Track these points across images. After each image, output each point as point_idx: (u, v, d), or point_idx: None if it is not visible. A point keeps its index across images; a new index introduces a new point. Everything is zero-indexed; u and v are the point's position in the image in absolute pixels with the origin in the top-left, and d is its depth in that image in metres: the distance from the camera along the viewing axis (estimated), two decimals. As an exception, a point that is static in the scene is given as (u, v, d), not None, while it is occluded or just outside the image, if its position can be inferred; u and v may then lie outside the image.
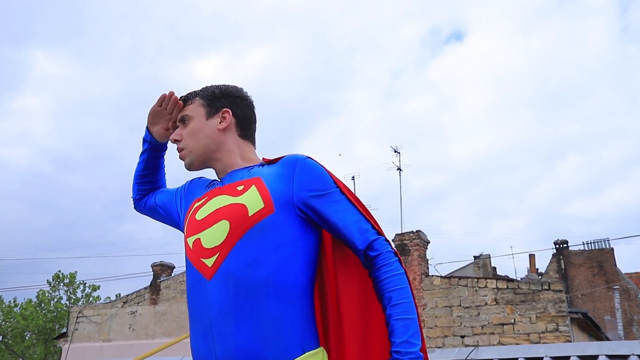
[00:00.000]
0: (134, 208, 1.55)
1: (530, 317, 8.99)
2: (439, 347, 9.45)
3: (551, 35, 47.70)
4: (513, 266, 28.19)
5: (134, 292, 13.69)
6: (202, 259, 1.15)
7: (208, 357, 1.10)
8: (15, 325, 23.31)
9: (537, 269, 22.38)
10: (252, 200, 1.15)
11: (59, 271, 24.80)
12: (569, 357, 3.20)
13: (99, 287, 25.19)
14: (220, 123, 1.28)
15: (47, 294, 24.44)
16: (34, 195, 41.57)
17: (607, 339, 13.06)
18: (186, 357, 4.36)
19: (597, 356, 3.13)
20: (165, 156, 1.52)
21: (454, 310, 9.61)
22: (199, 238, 1.18)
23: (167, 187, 1.53)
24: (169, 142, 1.39)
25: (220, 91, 1.32)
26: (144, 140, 1.46)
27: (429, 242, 10.73)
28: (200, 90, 1.33)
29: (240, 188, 1.20)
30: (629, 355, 3.07)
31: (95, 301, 23.95)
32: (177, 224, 1.42)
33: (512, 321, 9.09)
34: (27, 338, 23.87)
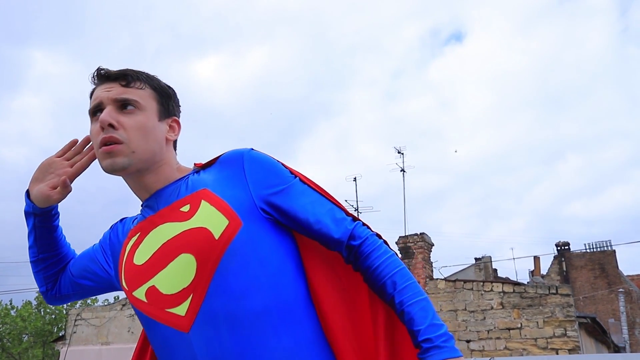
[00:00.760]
0: (49, 303, 1.20)
1: (537, 322, 8.84)
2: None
3: (551, 36, 47.73)
4: (514, 268, 28.10)
5: (133, 295, 13.51)
6: (168, 310, 0.92)
7: None
8: (13, 327, 23.11)
9: (540, 271, 22.25)
10: (211, 218, 0.92)
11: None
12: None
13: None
14: (169, 132, 1.03)
15: (45, 296, 24.24)
16: (32, 195, 41.18)
17: (613, 343, 12.93)
18: None
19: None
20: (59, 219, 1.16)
21: (459, 314, 9.46)
22: (153, 285, 0.94)
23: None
24: (100, 126, 0.97)
25: (171, 91, 1.06)
26: (28, 214, 1.09)
27: (433, 245, 10.59)
28: (146, 76, 1.02)
29: (185, 209, 0.96)
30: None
31: (94, 303, 23.78)
32: (112, 284, 1.12)
33: (519, 326, 8.94)
34: (24, 340, 23.69)
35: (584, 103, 52.53)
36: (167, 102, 1.04)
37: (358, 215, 14.00)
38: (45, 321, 23.37)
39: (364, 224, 0.99)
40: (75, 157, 1.10)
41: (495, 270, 21.47)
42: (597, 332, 10.54)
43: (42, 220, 1.10)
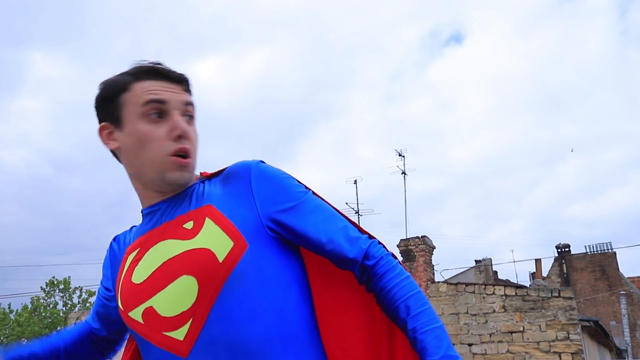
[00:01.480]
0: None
1: (540, 325, 8.78)
2: None
3: (551, 37, 47.84)
4: (514, 270, 28.10)
5: (132, 299, 13.45)
6: (165, 333, 0.87)
7: None
8: (11, 332, 23.00)
9: (541, 274, 22.21)
10: (216, 239, 0.87)
11: (53, 277, 24.52)
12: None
13: (95, 293, 24.85)
14: None
15: (41, 300, 24.15)
16: (33, 198, 41.27)
17: (615, 346, 12.88)
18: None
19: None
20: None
21: (461, 318, 9.40)
22: (151, 307, 0.88)
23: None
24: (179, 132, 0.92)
25: None
26: None
27: (434, 248, 10.54)
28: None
29: (189, 226, 0.90)
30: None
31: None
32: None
33: (522, 329, 8.89)
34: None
35: (584, 104, 52.64)
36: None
37: (359, 218, 13.94)
38: (42, 325, 23.26)
39: (379, 243, 0.93)
40: None
41: (496, 272, 21.43)
42: (600, 335, 10.49)
43: None
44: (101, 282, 1.10)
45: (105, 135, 0.97)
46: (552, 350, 8.57)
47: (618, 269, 20.56)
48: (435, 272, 10.42)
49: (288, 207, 0.91)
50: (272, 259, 0.89)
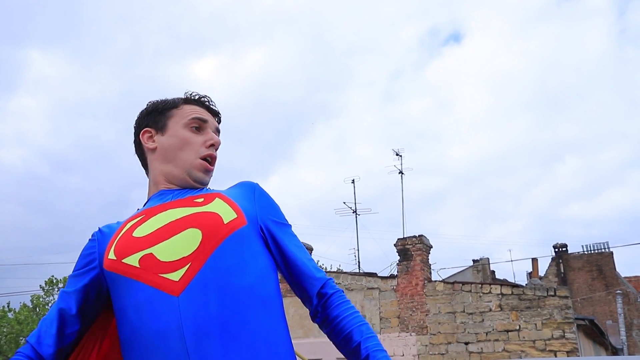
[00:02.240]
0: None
1: (535, 324, 8.85)
2: (443, 354, 9.31)
3: (550, 37, 47.89)
4: (512, 270, 28.15)
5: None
6: (161, 274, 0.97)
7: None
8: (10, 330, 23.02)
9: (538, 273, 22.26)
10: (223, 209, 1.06)
11: (53, 276, 24.56)
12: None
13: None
14: None
15: (41, 299, 24.19)
16: (30, 196, 41.20)
17: (611, 345, 12.95)
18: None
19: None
20: None
21: (458, 317, 9.46)
22: (151, 253, 1.00)
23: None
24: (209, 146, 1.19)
25: None
26: None
27: (431, 247, 10.59)
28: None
29: (200, 200, 1.10)
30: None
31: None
32: (99, 283, 1.08)
33: (517, 328, 8.95)
34: (20, 343, 23.58)
35: (583, 105, 52.73)
36: None
37: (357, 217, 14.00)
38: (43, 324, 23.23)
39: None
40: None
41: (493, 272, 21.48)
42: (595, 334, 10.55)
43: None
44: (71, 276, 1.12)
45: (146, 137, 1.20)
46: (547, 349, 8.63)
47: (615, 269, 20.63)
48: (432, 271, 10.48)
49: (279, 222, 1.14)
50: (260, 243, 1.08)
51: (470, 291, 9.49)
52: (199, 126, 1.17)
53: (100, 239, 1.12)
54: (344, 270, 14.81)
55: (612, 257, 20.62)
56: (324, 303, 1.07)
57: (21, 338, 23.59)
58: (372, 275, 10.48)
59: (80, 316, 1.08)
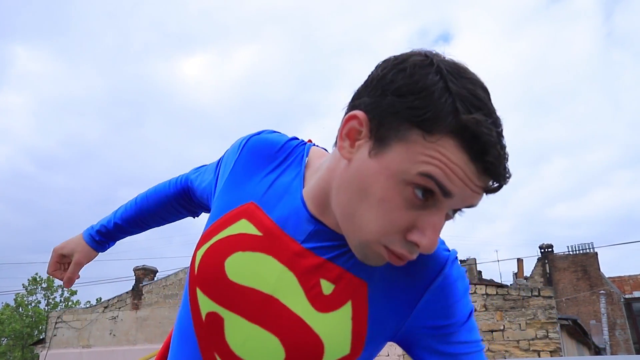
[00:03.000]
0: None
1: (520, 324, 8.89)
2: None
3: (538, 38, 48.38)
4: (498, 270, 28.39)
5: (115, 297, 13.35)
6: (215, 353, 0.71)
7: None
8: (-8, 329, 22.68)
9: (523, 274, 22.47)
10: (337, 336, 0.67)
11: (37, 274, 24.23)
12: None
13: (76, 292, 24.61)
14: None
15: (24, 298, 23.88)
16: (15, 195, 40.71)
17: (594, 344, 13.08)
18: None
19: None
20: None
21: (443, 317, 9.48)
22: (222, 318, 0.71)
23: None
24: None
25: None
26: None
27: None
28: None
29: (326, 290, 0.68)
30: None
31: (75, 306, 23.44)
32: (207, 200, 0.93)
33: (502, 328, 8.99)
34: (3, 344, 23.24)
35: (570, 106, 53.30)
36: None
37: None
38: (24, 324, 22.97)
39: None
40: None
41: (480, 272, 21.61)
42: (579, 333, 10.64)
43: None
44: (199, 171, 0.98)
45: (349, 128, 0.65)
46: (531, 349, 8.68)
47: (599, 269, 20.86)
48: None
49: (446, 332, 0.69)
50: None
51: (456, 291, 9.52)
52: (430, 193, 0.60)
53: (235, 170, 0.80)
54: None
55: (597, 257, 20.85)
56: None
57: (2, 338, 23.23)
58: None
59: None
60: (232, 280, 0.71)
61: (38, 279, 24.23)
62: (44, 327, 17.63)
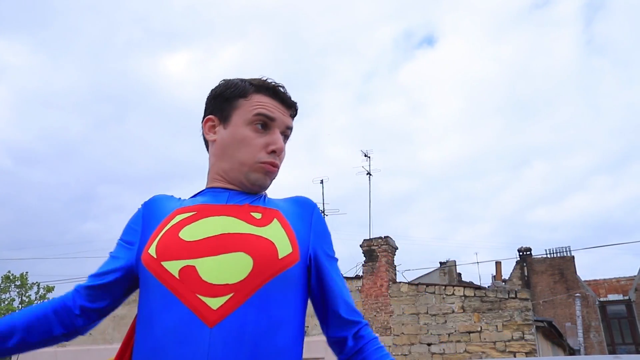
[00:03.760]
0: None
1: (496, 326, 8.98)
2: (406, 355, 9.35)
3: (521, 43, 49.05)
4: (478, 272, 28.69)
5: (91, 296, 13.13)
6: (200, 296, 0.87)
7: None
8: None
9: (501, 276, 22.72)
10: (280, 239, 0.95)
11: (9, 272, 23.71)
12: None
13: (53, 289, 24.15)
14: None
15: (-3, 295, 23.34)
16: (-11, 190, 39.67)
17: (569, 346, 13.28)
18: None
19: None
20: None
21: (421, 318, 9.53)
22: (193, 266, 0.90)
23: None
24: (272, 149, 1.04)
25: None
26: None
27: (397, 248, 10.65)
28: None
29: (257, 216, 0.99)
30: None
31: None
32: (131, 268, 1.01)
33: (479, 329, 9.07)
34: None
35: (551, 111, 54.15)
36: None
37: (325, 217, 13.96)
38: (-2, 322, 22.44)
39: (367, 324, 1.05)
40: None
41: (460, 274, 21.82)
42: (554, 335, 10.80)
43: None
44: (118, 243, 1.05)
45: (208, 126, 1.08)
46: (507, 350, 8.77)
47: (576, 272, 21.22)
48: (397, 272, 10.53)
49: (330, 254, 1.05)
50: (304, 284, 0.99)
51: (434, 293, 9.57)
52: (264, 124, 1.03)
53: (147, 216, 1.03)
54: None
55: (574, 261, 21.20)
56: (362, 347, 1.00)
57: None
58: (338, 275, 10.46)
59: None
60: (189, 241, 0.93)
61: (11, 277, 23.71)
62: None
